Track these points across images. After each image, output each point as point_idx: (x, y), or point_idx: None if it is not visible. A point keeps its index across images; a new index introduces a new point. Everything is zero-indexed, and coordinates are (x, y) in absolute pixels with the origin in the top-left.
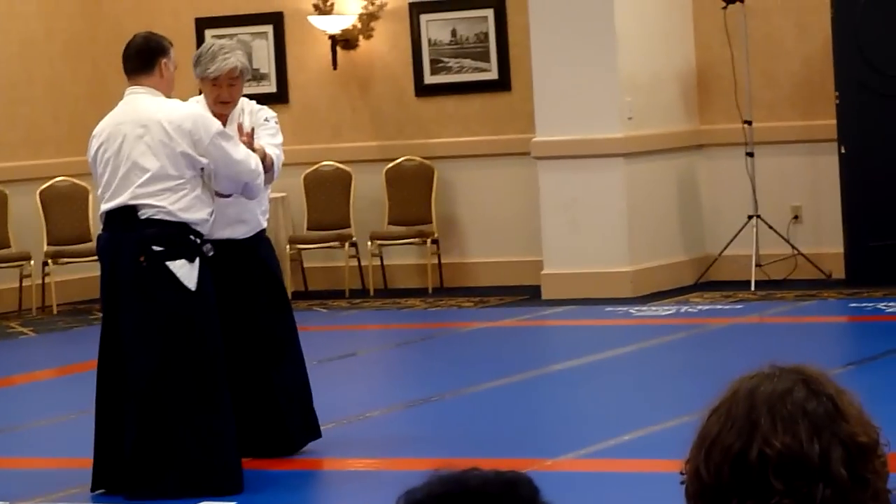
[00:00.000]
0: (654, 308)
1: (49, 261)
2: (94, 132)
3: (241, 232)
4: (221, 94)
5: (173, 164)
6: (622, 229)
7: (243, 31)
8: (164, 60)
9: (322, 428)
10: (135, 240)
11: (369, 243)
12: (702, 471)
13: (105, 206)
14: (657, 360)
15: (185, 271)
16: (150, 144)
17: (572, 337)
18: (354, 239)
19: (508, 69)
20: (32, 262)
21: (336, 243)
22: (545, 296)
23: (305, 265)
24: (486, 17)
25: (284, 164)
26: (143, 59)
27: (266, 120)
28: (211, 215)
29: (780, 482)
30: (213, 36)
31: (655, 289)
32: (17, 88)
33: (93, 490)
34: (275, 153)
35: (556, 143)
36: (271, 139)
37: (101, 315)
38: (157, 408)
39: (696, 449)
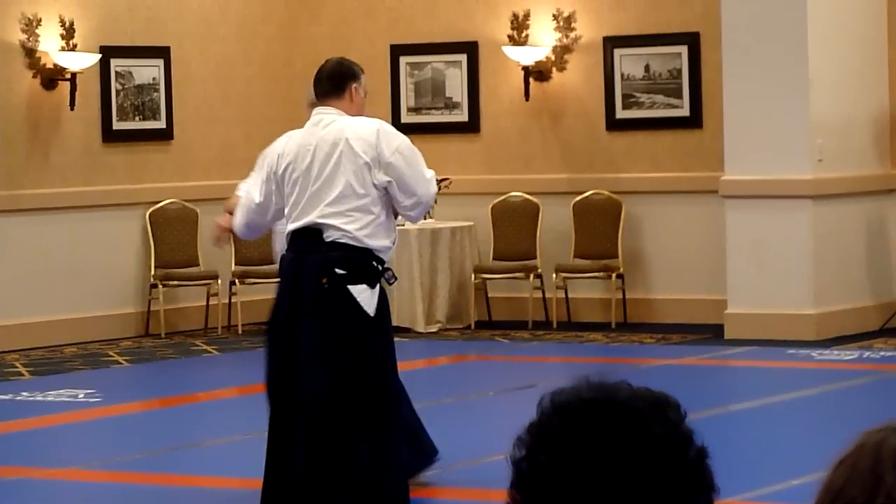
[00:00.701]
0: (836, 352)
1: (236, 280)
2: (277, 150)
3: None
4: None
5: (359, 181)
6: (808, 271)
7: (437, 60)
8: (354, 85)
9: (498, 458)
10: (319, 261)
11: (554, 275)
12: None
13: (291, 226)
14: (836, 406)
15: (366, 297)
16: (339, 163)
17: (753, 378)
18: (540, 271)
19: (700, 106)
20: (220, 282)
21: (521, 274)
22: (728, 335)
23: (490, 295)
24: (679, 54)
25: (473, 194)
26: (335, 82)
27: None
28: (394, 243)
29: None
30: (407, 63)
31: (839, 333)
32: (213, 108)
33: None
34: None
35: (745, 183)
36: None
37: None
38: (328, 430)
39: (820, 501)
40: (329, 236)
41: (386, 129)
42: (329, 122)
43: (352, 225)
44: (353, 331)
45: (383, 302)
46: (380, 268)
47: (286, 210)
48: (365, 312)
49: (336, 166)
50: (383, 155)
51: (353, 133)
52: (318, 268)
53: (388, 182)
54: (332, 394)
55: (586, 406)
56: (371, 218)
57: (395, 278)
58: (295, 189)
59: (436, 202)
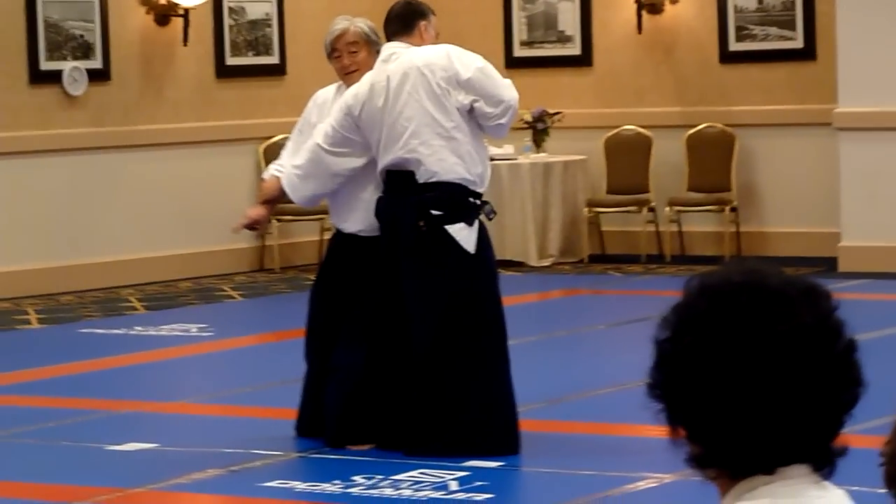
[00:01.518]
0: None
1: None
2: (355, 92)
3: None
4: (343, 63)
5: (438, 108)
6: None
7: None
8: (423, 23)
9: (608, 391)
10: (414, 204)
11: (667, 209)
12: None
13: (381, 166)
14: None
15: (465, 235)
16: (412, 92)
17: (867, 311)
18: (653, 204)
19: (814, 38)
20: None
21: (634, 208)
22: (842, 268)
23: (603, 228)
24: None
25: (585, 127)
26: (403, 21)
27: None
28: (487, 170)
29: None
30: None
31: None
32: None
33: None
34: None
35: (859, 115)
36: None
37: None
38: (438, 370)
39: (894, 433)
40: (421, 176)
41: (456, 51)
42: (399, 55)
43: (439, 156)
44: (454, 270)
45: (483, 237)
46: (477, 202)
47: (374, 149)
48: (465, 251)
49: (410, 96)
50: (460, 75)
51: (422, 60)
52: (413, 210)
53: (474, 100)
54: (439, 338)
55: (736, 290)
56: (457, 145)
57: (495, 213)
58: (374, 127)
59: (548, 134)
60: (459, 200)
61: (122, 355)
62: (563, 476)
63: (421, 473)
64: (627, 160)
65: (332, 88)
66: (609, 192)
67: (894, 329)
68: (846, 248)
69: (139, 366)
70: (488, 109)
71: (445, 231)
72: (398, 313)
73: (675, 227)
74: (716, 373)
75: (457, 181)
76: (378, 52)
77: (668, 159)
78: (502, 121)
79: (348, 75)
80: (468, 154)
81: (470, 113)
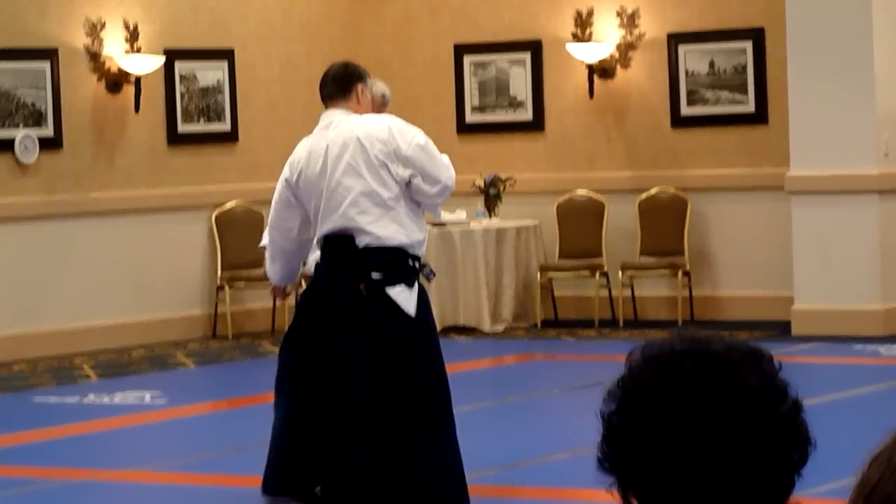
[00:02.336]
0: None
1: (303, 282)
2: (292, 159)
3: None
4: None
5: (377, 181)
6: (875, 266)
7: (501, 58)
8: (360, 86)
9: (563, 456)
10: (355, 268)
11: (620, 273)
12: None
13: (320, 233)
14: None
15: (405, 297)
16: (352, 162)
17: (820, 374)
18: (605, 269)
19: (765, 102)
20: None
21: (587, 272)
22: (795, 331)
23: (556, 293)
24: (744, 49)
25: (538, 192)
26: (340, 84)
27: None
28: (425, 236)
29: None
30: (471, 62)
31: None
32: (278, 110)
33: (266, 491)
34: None
35: (811, 179)
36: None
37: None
38: (383, 434)
39: (855, 496)
40: (361, 241)
41: (397, 124)
42: (338, 123)
43: (378, 224)
44: (396, 334)
45: (423, 300)
46: (416, 265)
47: (311, 216)
48: (405, 314)
49: (349, 166)
50: (400, 150)
51: (363, 131)
52: (354, 274)
53: (412, 174)
54: (384, 398)
55: (680, 358)
56: (395, 213)
57: (434, 273)
58: (312, 194)
59: (500, 199)
60: (399, 263)
61: (76, 423)
62: None
63: None
64: (580, 225)
65: None
66: (562, 256)
67: (848, 392)
68: (799, 312)
69: (93, 434)
70: (425, 187)
71: (386, 294)
72: (339, 375)
73: (627, 292)
74: (666, 442)
75: (396, 245)
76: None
77: (621, 224)
78: (437, 200)
79: None
80: (407, 221)
81: (408, 185)
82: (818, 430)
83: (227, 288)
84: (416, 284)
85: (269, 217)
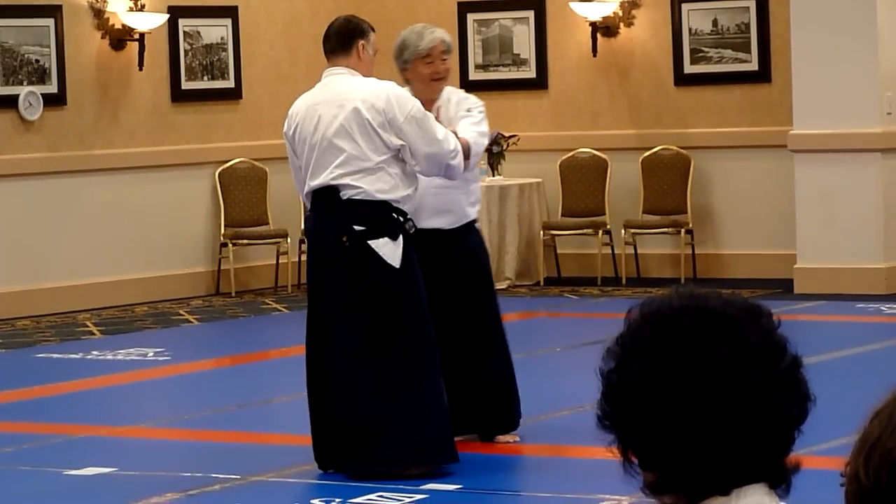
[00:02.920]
0: None
1: (305, 238)
2: (290, 112)
3: (445, 222)
4: (437, 68)
5: (369, 145)
6: (877, 225)
7: (504, 17)
8: (361, 42)
9: (566, 413)
10: (337, 220)
11: (623, 231)
12: (861, 474)
13: (308, 188)
14: None
15: (388, 250)
16: (346, 125)
17: (822, 332)
18: (608, 227)
19: (769, 61)
20: (289, 240)
21: (590, 230)
22: (797, 289)
23: (559, 251)
24: (747, 8)
25: (541, 150)
26: (342, 39)
27: (469, 110)
28: (414, 191)
29: None
30: (475, 21)
31: None
32: (281, 67)
33: (321, 467)
34: (472, 138)
35: (814, 137)
36: (474, 126)
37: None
38: (366, 384)
39: (856, 452)
40: (345, 194)
41: (397, 93)
42: (338, 83)
43: (364, 181)
44: (378, 284)
45: (409, 253)
46: (400, 219)
47: (302, 170)
48: (389, 265)
49: (342, 128)
50: (396, 120)
51: (361, 96)
52: (337, 227)
53: (402, 145)
54: (365, 350)
55: (678, 314)
56: (385, 175)
57: (415, 227)
58: (304, 149)
59: (503, 157)
60: (382, 216)
61: (79, 380)
62: (522, 498)
63: (380, 496)
64: (583, 183)
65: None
66: (565, 214)
67: (850, 350)
68: (802, 270)
69: (96, 390)
70: (413, 160)
71: (368, 246)
72: (322, 330)
73: (630, 250)
74: (665, 398)
75: (380, 199)
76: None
77: (624, 182)
78: (426, 171)
79: (438, 81)
80: (394, 179)
81: (399, 152)
82: (820, 388)
83: (230, 245)
84: (402, 240)
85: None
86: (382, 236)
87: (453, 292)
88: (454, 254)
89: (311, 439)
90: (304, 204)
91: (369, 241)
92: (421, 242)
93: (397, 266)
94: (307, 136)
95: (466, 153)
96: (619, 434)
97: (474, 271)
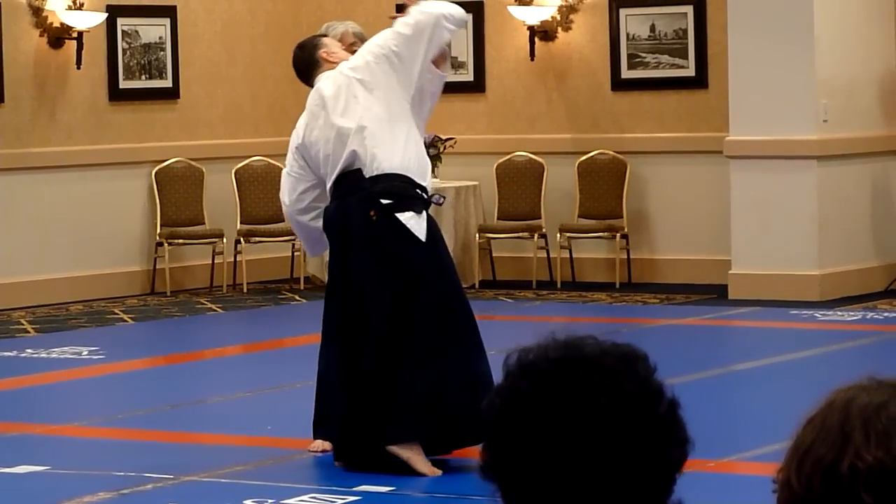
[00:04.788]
0: (840, 313)
1: (241, 239)
2: (294, 133)
3: None
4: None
5: (377, 101)
6: (812, 232)
7: None
8: (323, 52)
9: None
10: (363, 197)
11: (559, 235)
12: (793, 481)
13: (331, 178)
14: (839, 366)
15: (415, 222)
16: (349, 97)
17: (756, 338)
18: (544, 230)
19: (706, 66)
20: (225, 240)
21: (525, 234)
22: (732, 295)
23: (494, 254)
24: (685, 14)
25: (478, 153)
26: (305, 68)
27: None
28: (428, 164)
29: (871, 496)
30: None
31: (843, 293)
32: (219, 68)
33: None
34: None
35: (750, 143)
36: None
37: (324, 290)
38: (406, 354)
39: (789, 458)
40: (368, 171)
41: (367, 43)
42: (323, 78)
43: (384, 148)
44: (407, 256)
45: (433, 228)
46: (424, 195)
47: (321, 170)
48: (416, 237)
49: (348, 101)
50: (374, 46)
51: (346, 65)
52: (363, 203)
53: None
54: (402, 319)
55: (555, 367)
56: (398, 135)
57: (444, 198)
58: (319, 144)
59: (440, 160)
60: (407, 190)
61: (13, 378)
62: (455, 501)
63: (312, 498)
64: (519, 186)
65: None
66: (500, 218)
67: (783, 356)
68: (736, 276)
69: (30, 388)
70: (396, 33)
71: (396, 219)
72: (356, 310)
73: (566, 254)
74: (545, 451)
75: (401, 172)
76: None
77: (560, 186)
78: (417, 19)
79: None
80: (412, 149)
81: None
82: (752, 394)
83: (166, 244)
84: (425, 214)
85: (284, 200)
86: (408, 210)
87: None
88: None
89: (338, 423)
90: (288, 206)
91: (396, 214)
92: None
93: (423, 240)
94: (320, 128)
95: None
96: (500, 484)
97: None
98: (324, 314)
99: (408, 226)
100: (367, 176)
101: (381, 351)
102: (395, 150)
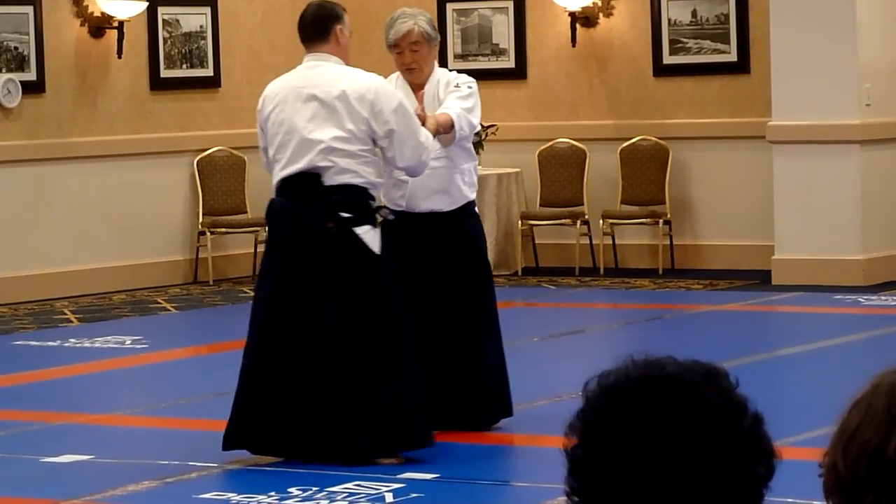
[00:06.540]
0: (884, 298)
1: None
2: (266, 93)
3: (443, 203)
4: (404, 59)
5: (352, 134)
6: (856, 217)
7: (484, 6)
8: (339, 27)
9: (543, 402)
10: (322, 205)
11: (601, 222)
12: (839, 464)
13: (283, 173)
14: (883, 351)
15: (371, 236)
16: (332, 112)
17: (800, 323)
18: (587, 217)
19: (748, 51)
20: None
21: (568, 221)
22: (775, 281)
23: (537, 241)
24: None
25: (520, 140)
26: (318, 26)
27: (457, 86)
28: (382, 180)
29: None
30: (454, 10)
31: (887, 278)
32: (260, 56)
33: (226, 448)
34: (456, 113)
35: (793, 128)
36: (460, 101)
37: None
38: (345, 371)
39: (835, 442)
40: (328, 180)
41: (385, 87)
42: (325, 69)
43: (350, 167)
44: (362, 270)
45: (385, 240)
46: (374, 206)
47: (271, 153)
48: (371, 251)
49: (333, 113)
50: (383, 112)
51: (350, 84)
52: (320, 212)
53: (385, 137)
54: (349, 338)
55: (637, 385)
56: (368, 160)
57: (393, 215)
58: (280, 131)
59: (482, 147)
60: (362, 203)
61: (57, 367)
62: (499, 487)
63: (357, 485)
64: (561, 173)
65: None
66: (543, 204)
67: (828, 341)
68: (780, 261)
69: (74, 378)
70: (407, 150)
71: (353, 233)
72: (287, 319)
73: (608, 240)
74: (633, 470)
75: (359, 184)
76: (436, 45)
77: (602, 172)
78: (403, 167)
79: (409, 71)
80: (371, 167)
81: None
82: (798, 379)
83: (208, 233)
84: (378, 226)
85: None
86: (365, 224)
87: (452, 276)
88: (453, 237)
89: (233, 420)
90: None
91: (354, 228)
92: (420, 225)
93: (378, 253)
94: (286, 118)
95: (449, 127)
96: None
97: (473, 256)
98: (252, 308)
99: (364, 240)
100: (325, 184)
101: (319, 361)
102: (357, 168)
